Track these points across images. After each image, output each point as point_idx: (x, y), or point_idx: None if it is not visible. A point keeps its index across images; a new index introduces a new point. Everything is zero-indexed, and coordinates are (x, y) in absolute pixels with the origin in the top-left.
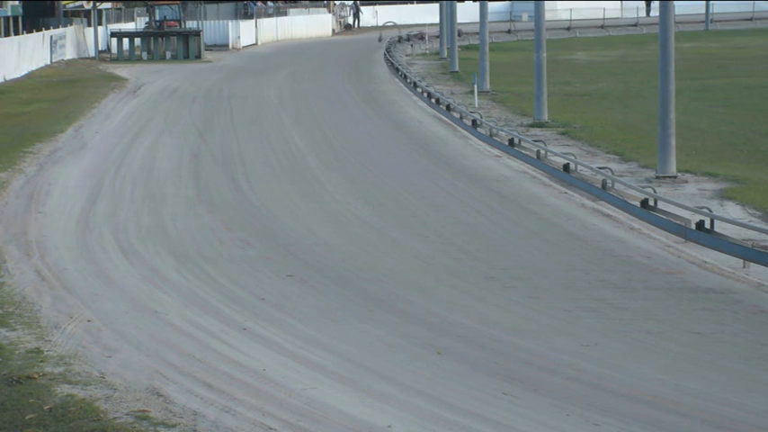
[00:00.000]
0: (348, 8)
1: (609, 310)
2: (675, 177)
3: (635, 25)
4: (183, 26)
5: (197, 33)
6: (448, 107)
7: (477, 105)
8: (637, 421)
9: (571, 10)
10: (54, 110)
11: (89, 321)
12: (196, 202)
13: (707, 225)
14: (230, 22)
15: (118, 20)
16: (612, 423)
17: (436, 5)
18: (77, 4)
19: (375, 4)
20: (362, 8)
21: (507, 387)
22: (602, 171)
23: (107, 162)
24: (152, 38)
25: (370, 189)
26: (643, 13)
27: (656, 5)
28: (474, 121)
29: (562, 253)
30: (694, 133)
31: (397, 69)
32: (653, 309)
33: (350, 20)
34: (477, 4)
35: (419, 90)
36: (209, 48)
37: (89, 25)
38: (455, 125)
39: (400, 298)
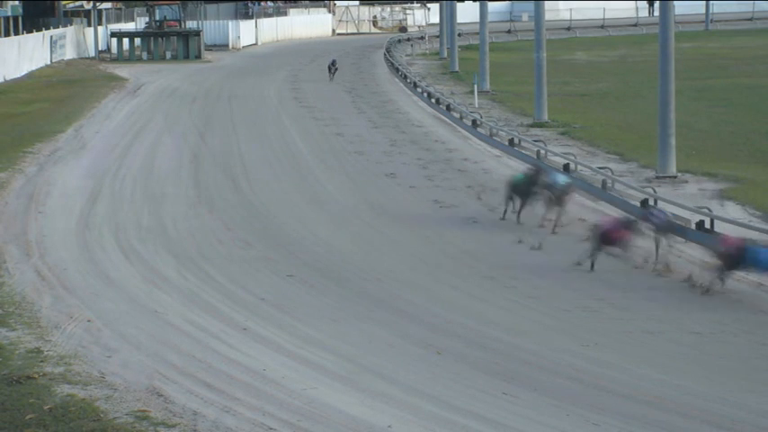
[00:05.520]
0: (403, 9)
1: (609, 310)
2: (675, 177)
3: (635, 25)
4: (183, 26)
5: (197, 33)
6: (448, 107)
7: (477, 105)
8: (637, 421)
9: (571, 10)
10: (54, 110)
11: (89, 321)
12: (196, 202)
13: (707, 225)
14: (230, 22)
15: (118, 20)
16: (612, 423)
17: (436, 5)
18: (77, 4)
19: (374, 4)
20: (362, 8)
21: (507, 387)
22: (602, 171)
23: (107, 162)
24: (152, 38)
25: (370, 189)
26: (644, 13)
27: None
28: (474, 121)
29: (562, 253)
30: (694, 133)
31: (398, 69)
32: (653, 309)
33: (408, 21)
34: (477, 4)
35: (419, 90)
36: (209, 48)
37: (89, 25)
38: (455, 125)
39: (400, 298)
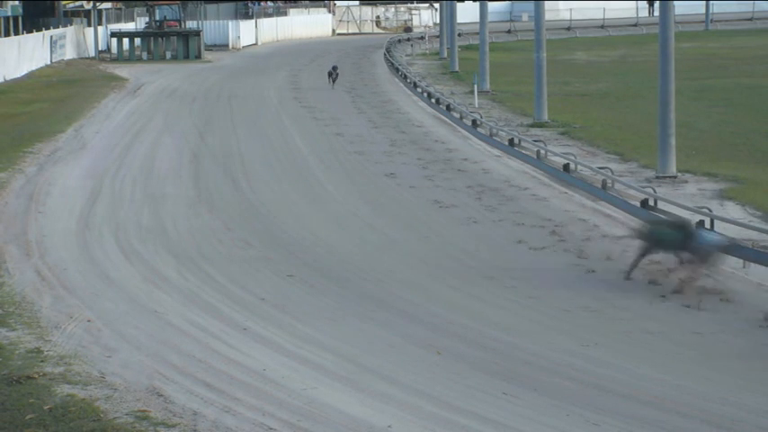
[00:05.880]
0: (408, 9)
1: (609, 310)
2: (675, 177)
3: (635, 25)
4: (183, 26)
5: (197, 33)
6: (448, 107)
7: (477, 105)
8: (637, 421)
9: (571, 10)
10: (54, 110)
11: (89, 321)
12: (196, 202)
13: (707, 225)
14: (230, 22)
15: (118, 20)
16: (612, 423)
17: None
18: (77, 4)
19: (376, 4)
20: (365, 8)
21: (507, 387)
22: (602, 171)
23: (107, 162)
24: (152, 38)
25: (370, 189)
26: (644, 13)
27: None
28: (474, 121)
29: (562, 253)
30: (694, 133)
31: (398, 69)
32: (653, 309)
33: (413, 21)
34: (477, 4)
35: (419, 90)
36: (209, 48)
37: (89, 25)
38: (455, 125)
39: (400, 298)
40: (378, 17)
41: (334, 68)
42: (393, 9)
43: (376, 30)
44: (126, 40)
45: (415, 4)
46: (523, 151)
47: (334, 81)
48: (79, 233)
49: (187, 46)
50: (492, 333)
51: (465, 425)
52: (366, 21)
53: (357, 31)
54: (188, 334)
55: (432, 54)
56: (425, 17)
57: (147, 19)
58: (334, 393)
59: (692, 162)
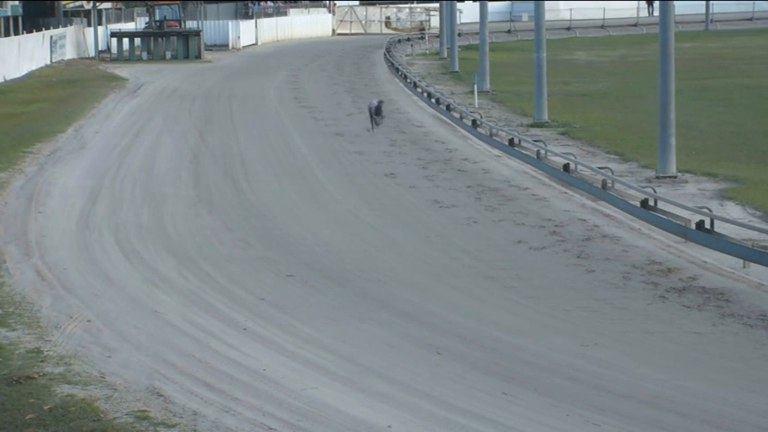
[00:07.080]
0: (425, 10)
1: (609, 310)
2: (675, 177)
3: (635, 25)
4: (183, 26)
5: (197, 33)
6: (448, 107)
7: (477, 105)
8: (637, 421)
9: (571, 10)
10: (54, 110)
11: (89, 321)
12: (196, 202)
13: (707, 225)
14: (230, 22)
15: (118, 20)
16: (612, 423)
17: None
18: (77, 4)
19: (376, 4)
20: (373, 9)
21: (507, 387)
22: (602, 171)
23: (107, 162)
24: (152, 38)
25: (370, 189)
26: (644, 13)
27: (656, 5)
28: (474, 121)
29: (562, 253)
30: (694, 133)
31: (398, 69)
32: (653, 309)
33: (430, 22)
34: (477, 4)
35: (419, 90)
36: (209, 48)
37: (89, 25)
38: (455, 125)
39: (400, 298)
40: (388, 17)
41: (380, 104)
42: (407, 9)
43: (385, 30)
44: (126, 40)
45: (434, 5)
46: (523, 151)
47: (378, 123)
48: (79, 233)
49: (187, 46)
50: (492, 333)
51: (465, 425)
52: (373, 21)
53: (362, 31)
54: (188, 334)
55: (432, 54)
56: None
57: (147, 19)
58: (334, 393)
59: (692, 162)
